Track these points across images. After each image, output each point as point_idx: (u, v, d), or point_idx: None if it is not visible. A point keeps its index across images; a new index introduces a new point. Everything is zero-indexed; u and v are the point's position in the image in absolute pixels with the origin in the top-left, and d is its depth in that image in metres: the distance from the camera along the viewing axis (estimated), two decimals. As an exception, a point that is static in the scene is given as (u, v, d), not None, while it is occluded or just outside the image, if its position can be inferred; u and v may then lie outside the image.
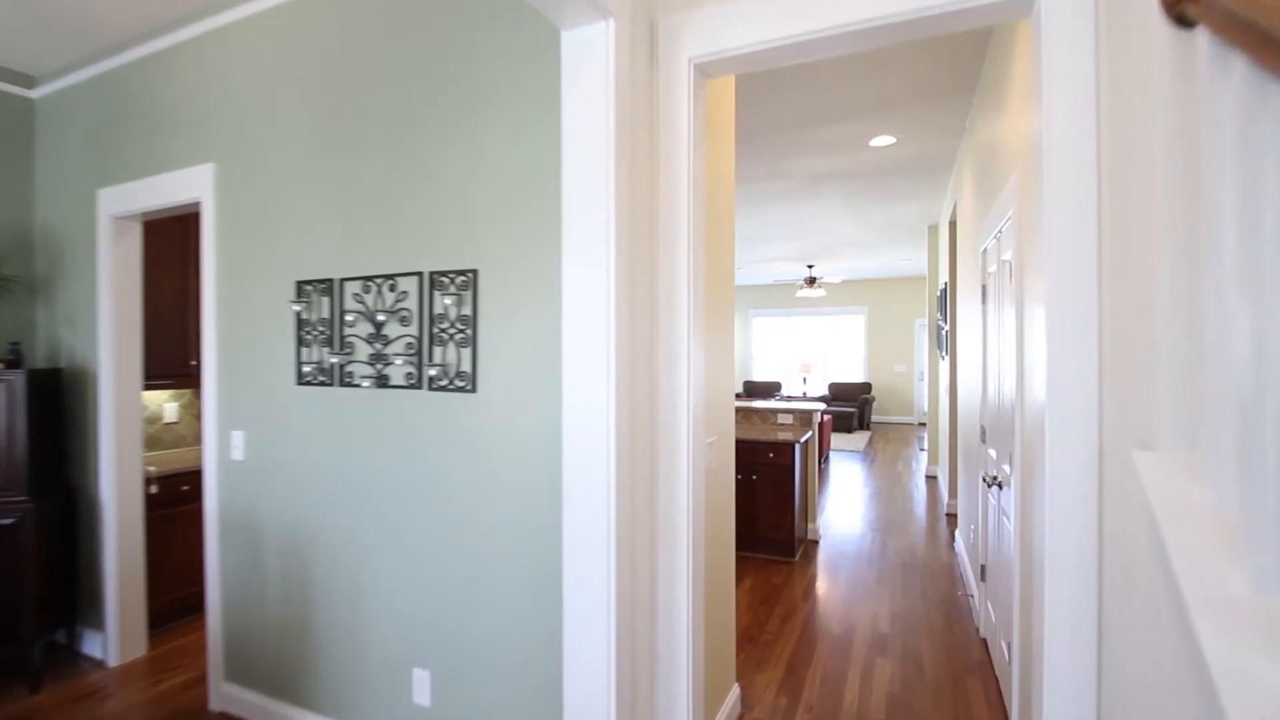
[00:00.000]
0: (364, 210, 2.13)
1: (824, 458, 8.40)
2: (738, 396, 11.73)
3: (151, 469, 3.18)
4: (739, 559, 4.48)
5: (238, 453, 2.43)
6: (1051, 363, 1.30)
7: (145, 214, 2.81)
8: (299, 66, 2.27)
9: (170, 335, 3.45)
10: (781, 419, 5.11)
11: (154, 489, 3.13)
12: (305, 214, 2.26)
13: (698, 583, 1.81)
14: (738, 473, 4.57)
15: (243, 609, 2.44)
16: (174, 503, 3.22)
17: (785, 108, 3.83)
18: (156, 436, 3.64)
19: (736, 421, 5.20)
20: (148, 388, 3.34)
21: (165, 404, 3.69)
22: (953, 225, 5.52)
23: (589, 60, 1.55)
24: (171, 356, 3.45)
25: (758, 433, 4.74)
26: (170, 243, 3.46)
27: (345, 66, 2.16)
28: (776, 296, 13.88)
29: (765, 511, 4.51)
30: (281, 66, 2.31)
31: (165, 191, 2.62)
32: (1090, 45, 1.29)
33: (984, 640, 3.13)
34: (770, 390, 13.12)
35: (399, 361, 2.05)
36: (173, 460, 3.45)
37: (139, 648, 2.95)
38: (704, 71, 1.73)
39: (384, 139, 2.08)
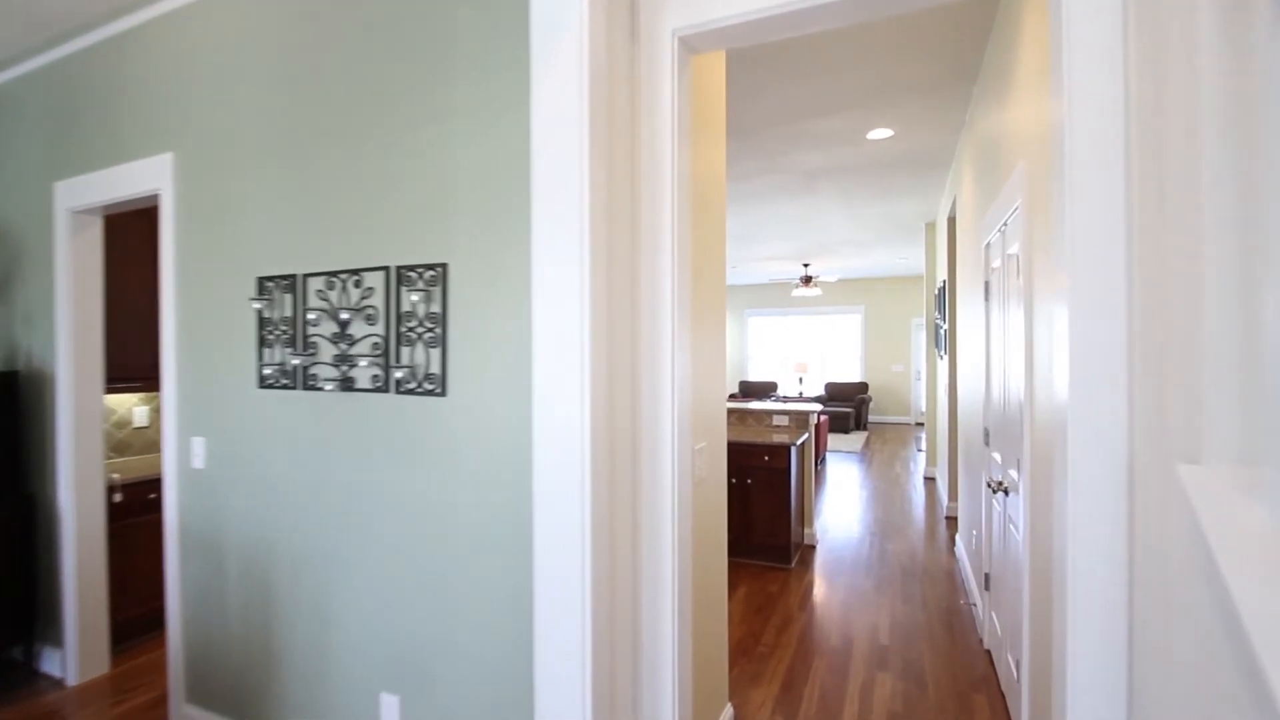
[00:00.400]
0: (329, 201, 1.99)
1: (821, 459, 8.27)
2: (733, 397, 11.61)
3: (116, 476, 3.03)
4: (733, 566, 4.35)
5: (198, 460, 2.29)
6: (1075, 363, 1.17)
7: (105, 207, 2.66)
8: (262, 52, 2.12)
9: (139, 335, 3.29)
10: (777, 420, 4.98)
11: (118, 497, 2.97)
12: (268, 205, 2.12)
13: (684, 595, 1.67)
14: (731, 477, 4.44)
15: (204, 627, 2.29)
16: (139, 512, 3.07)
17: (779, 100, 3.70)
18: (125, 441, 3.49)
19: (730, 424, 5.07)
20: (117, 390, 3.19)
21: (135, 407, 3.53)
22: (951, 222, 5.41)
23: (561, 32, 1.42)
24: (141, 357, 3.29)
25: (752, 435, 4.61)
26: (139, 239, 3.31)
27: (311, 52, 2.02)
28: (772, 296, 13.76)
29: (760, 516, 4.38)
30: (244, 52, 2.16)
31: (123, 184, 2.47)
32: (1117, 11, 1.16)
33: (988, 653, 3.00)
34: (766, 390, 13.00)
35: (364, 363, 1.91)
36: (143, 467, 3.29)
37: (100, 665, 2.80)
38: (689, 46, 1.59)
39: (351, 126, 1.94)
